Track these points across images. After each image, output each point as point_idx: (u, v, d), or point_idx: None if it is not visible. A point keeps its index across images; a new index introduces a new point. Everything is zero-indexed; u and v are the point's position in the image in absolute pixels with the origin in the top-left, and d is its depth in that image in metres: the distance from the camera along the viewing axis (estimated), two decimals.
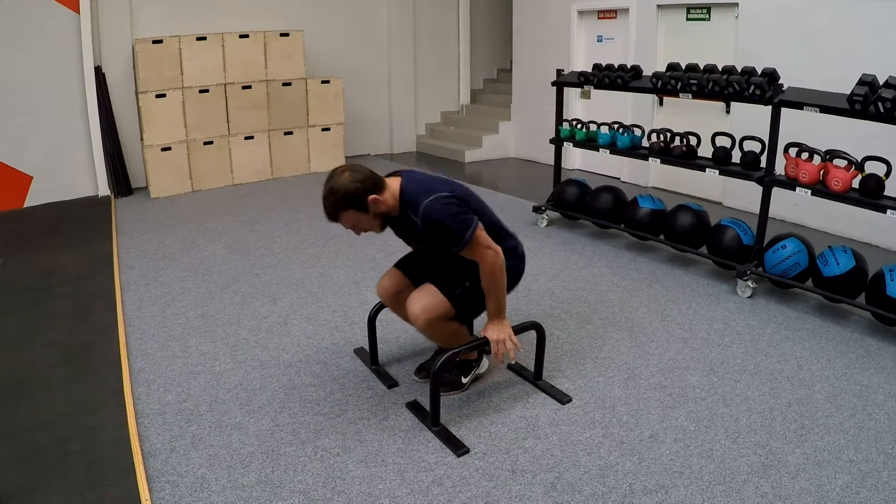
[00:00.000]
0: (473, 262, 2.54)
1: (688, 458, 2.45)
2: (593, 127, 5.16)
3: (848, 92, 3.41)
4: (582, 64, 7.11)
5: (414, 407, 2.80)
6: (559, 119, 5.33)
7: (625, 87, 4.75)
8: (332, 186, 2.39)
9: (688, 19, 6.10)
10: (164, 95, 6.42)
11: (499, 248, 2.52)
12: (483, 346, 2.68)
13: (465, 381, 2.90)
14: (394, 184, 2.51)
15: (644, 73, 4.78)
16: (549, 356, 3.11)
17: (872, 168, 3.45)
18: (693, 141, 4.45)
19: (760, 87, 3.80)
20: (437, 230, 2.41)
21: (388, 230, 2.69)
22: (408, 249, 2.92)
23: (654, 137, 4.66)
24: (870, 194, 3.42)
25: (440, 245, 2.49)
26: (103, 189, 6.62)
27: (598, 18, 7.04)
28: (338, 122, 7.65)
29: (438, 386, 2.59)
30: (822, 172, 3.60)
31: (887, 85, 3.27)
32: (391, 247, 4.86)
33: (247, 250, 4.88)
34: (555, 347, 3.28)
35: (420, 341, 3.34)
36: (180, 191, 6.69)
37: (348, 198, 2.38)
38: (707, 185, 5.96)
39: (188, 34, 6.57)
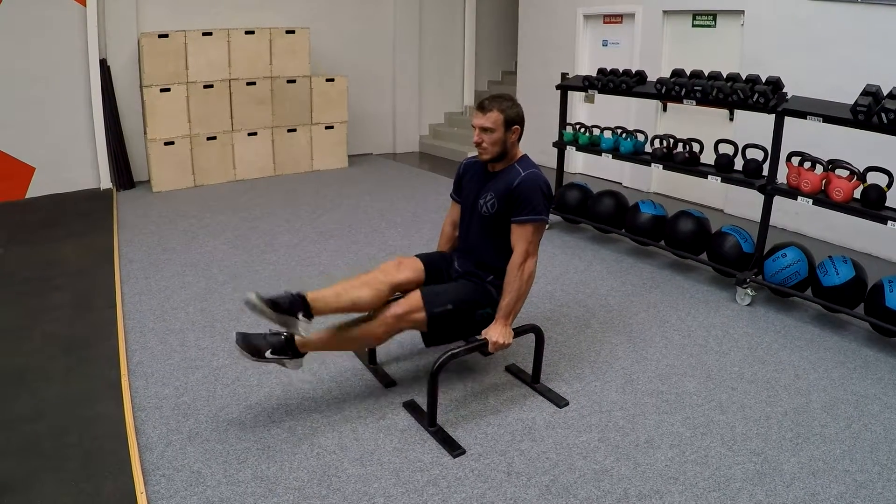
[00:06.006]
0: (470, 287, 2.75)
1: (683, 465, 2.45)
2: (596, 131, 5.16)
3: (852, 102, 3.42)
4: (587, 68, 7.11)
5: (411, 406, 2.80)
6: (562, 123, 5.33)
7: (629, 93, 4.76)
8: (514, 100, 2.75)
9: (693, 26, 6.10)
10: (168, 90, 6.43)
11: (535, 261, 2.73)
12: (480, 347, 2.69)
13: (268, 354, 2.56)
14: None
15: (648, 79, 4.78)
16: (547, 359, 3.11)
17: (874, 179, 3.45)
18: (696, 147, 4.46)
19: (764, 95, 3.81)
20: (530, 192, 2.64)
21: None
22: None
23: (656, 143, 4.66)
24: (871, 205, 3.42)
25: (516, 205, 2.66)
26: (105, 182, 6.62)
27: (604, 23, 7.04)
28: (341, 120, 7.66)
29: (436, 386, 2.59)
30: (823, 182, 3.60)
31: (891, 96, 3.28)
32: (391, 246, 4.87)
33: (247, 246, 4.89)
34: (553, 351, 3.29)
35: (418, 341, 3.33)
36: (182, 185, 6.69)
37: (516, 114, 2.71)
38: (709, 192, 5.96)
39: (194, 29, 6.58)
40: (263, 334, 2.58)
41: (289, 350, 2.57)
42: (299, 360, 2.63)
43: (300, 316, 2.50)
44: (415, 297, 2.65)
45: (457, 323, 2.71)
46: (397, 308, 2.63)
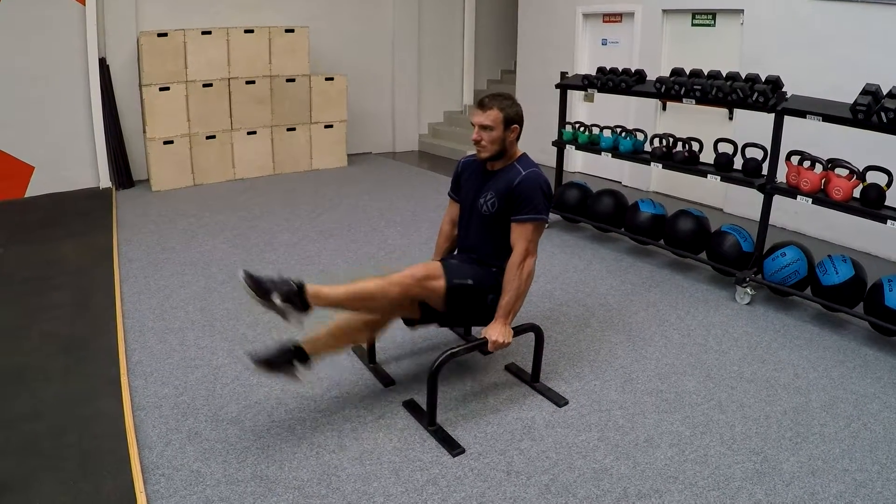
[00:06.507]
0: (482, 269, 2.72)
1: (682, 464, 2.45)
2: (596, 130, 5.16)
3: (852, 101, 3.41)
4: (586, 67, 7.11)
5: (410, 406, 2.80)
6: (562, 122, 5.33)
7: (628, 92, 4.75)
8: (513, 99, 2.75)
9: (693, 25, 6.10)
10: (167, 89, 6.42)
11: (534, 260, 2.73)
12: (480, 346, 2.69)
13: (275, 298, 2.38)
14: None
15: (648, 78, 4.78)
16: (547, 359, 3.11)
17: (874, 178, 3.45)
18: (695, 147, 4.46)
19: (764, 94, 3.80)
20: (530, 192, 2.64)
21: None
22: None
23: (656, 142, 4.66)
24: (870, 204, 3.42)
25: (517, 204, 2.65)
26: (105, 181, 6.62)
27: (604, 22, 7.04)
28: (341, 119, 7.65)
29: (436, 385, 2.59)
30: (823, 181, 3.61)
31: (890, 95, 3.28)
32: (391, 245, 4.87)
33: (247, 245, 4.88)
34: (552, 350, 3.28)
35: (418, 340, 3.34)
36: (182, 184, 6.69)
37: (515, 113, 2.72)
38: (708, 192, 5.96)
39: (193, 28, 6.57)
40: (272, 279, 2.41)
41: (297, 300, 2.40)
42: (303, 315, 2.44)
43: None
44: (434, 265, 2.64)
45: (470, 301, 2.70)
46: (416, 270, 2.58)
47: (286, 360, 2.56)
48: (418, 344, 3.33)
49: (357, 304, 2.60)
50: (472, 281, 2.68)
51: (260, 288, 2.37)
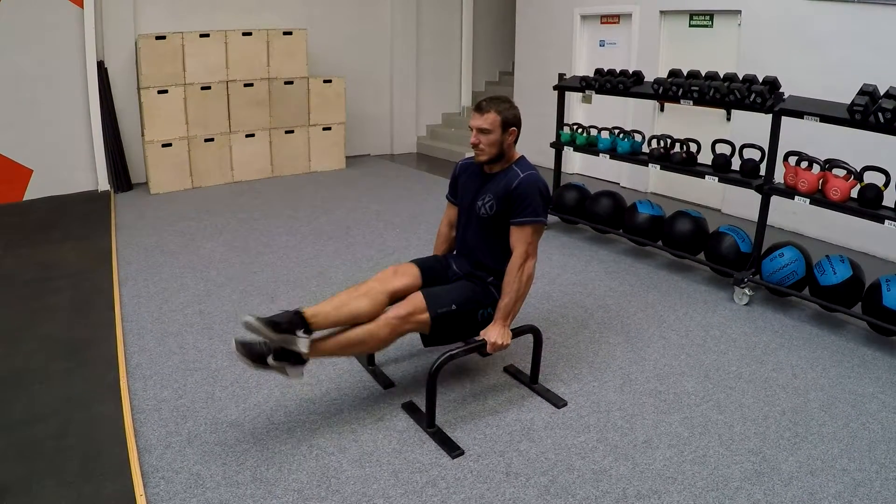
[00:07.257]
0: (470, 288, 2.74)
1: (681, 464, 2.46)
2: (594, 132, 5.17)
3: (849, 101, 3.42)
4: (584, 68, 7.12)
5: (409, 408, 2.80)
6: (560, 123, 5.34)
7: (626, 93, 4.76)
8: (511, 102, 2.77)
9: (690, 26, 6.11)
10: (165, 91, 6.43)
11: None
12: (479, 348, 2.69)
13: (270, 361, 2.45)
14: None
15: (646, 79, 4.79)
16: (546, 360, 3.11)
17: (871, 178, 3.46)
18: (693, 148, 4.47)
19: (761, 95, 3.81)
20: (529, 194, 2.65)
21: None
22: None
23: (654, 143, 4.67)
24: (868, 204, 3.43)
25: (515, 207, 2.67)
26: (103, 184, 6.62)
27: (601, 23, 7.06)
28: (339, 121, 7.66)
29: (435, 387, 2.59)
30: (820, 182, 3.61)
31: (888, 95, 3.29)
32: (389, 247, 4.88)
33: (245, 248, 4.88)
34: (551, 351, 3.29)
35: (416, 342, 3.33)
36: (180, 187, 6.69)
37: (513, 115, 2.73)
38: (706, 192, 5.97)
39: (191, 31, 6.58)
40: (264, 341, 2.45)
41: (291, 356, 2.46)
42: (301, 368, 2.51)
43: (299, 333, 2.45)
44: (417, 299, 2.64)
45: (460, 323, 2.70)
46: (400, 309, 2.61)
47: (290, 324, 2.49)
48: (417, 346, 3.32)
49: (351, 351, 2.70)
50: (456, 305, 2.67)
51: (253, 354, 2.46)
